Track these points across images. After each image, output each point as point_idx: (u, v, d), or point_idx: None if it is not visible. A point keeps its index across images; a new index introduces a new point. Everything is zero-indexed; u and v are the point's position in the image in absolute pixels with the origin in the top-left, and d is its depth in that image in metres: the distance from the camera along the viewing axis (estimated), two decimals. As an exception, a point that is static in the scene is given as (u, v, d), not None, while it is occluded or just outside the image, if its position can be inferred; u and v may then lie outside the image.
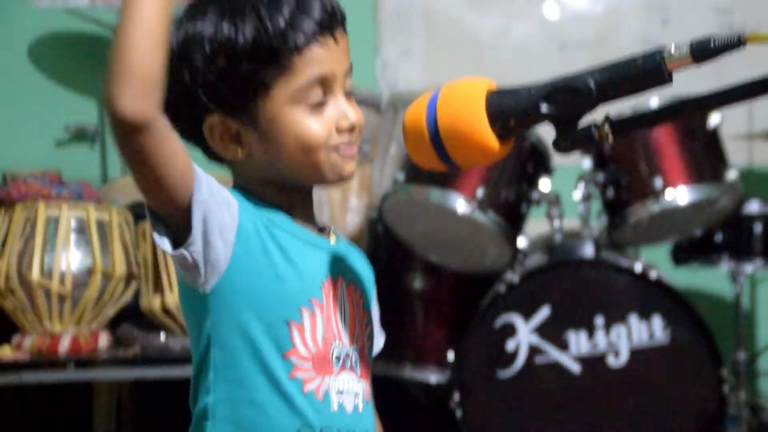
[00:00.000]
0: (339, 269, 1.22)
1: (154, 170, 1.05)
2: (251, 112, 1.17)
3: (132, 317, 2.78)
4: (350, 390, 1.19)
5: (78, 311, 2.64)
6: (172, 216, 1.10)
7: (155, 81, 1.02)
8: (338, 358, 1.18)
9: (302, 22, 1.15)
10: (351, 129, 1.19)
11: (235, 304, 1.13)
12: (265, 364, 1.13)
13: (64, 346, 2.62)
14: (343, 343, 1.19)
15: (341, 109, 1.19)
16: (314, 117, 1.17)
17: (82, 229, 2.67)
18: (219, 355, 1.14)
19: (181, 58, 1.16)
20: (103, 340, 2.70)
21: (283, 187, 1.20)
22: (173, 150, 1.05)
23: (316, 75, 1.16)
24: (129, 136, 1.02)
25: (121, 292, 2.71)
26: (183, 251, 1.10)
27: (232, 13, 1.16)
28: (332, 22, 1.18)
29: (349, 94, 1.21)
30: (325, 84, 1.18)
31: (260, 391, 1.13)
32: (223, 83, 1.16)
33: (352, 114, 1.20)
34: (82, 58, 3.59)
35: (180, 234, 1.10)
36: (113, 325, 2.77)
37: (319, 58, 1.17)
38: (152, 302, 2.67)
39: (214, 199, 1.10)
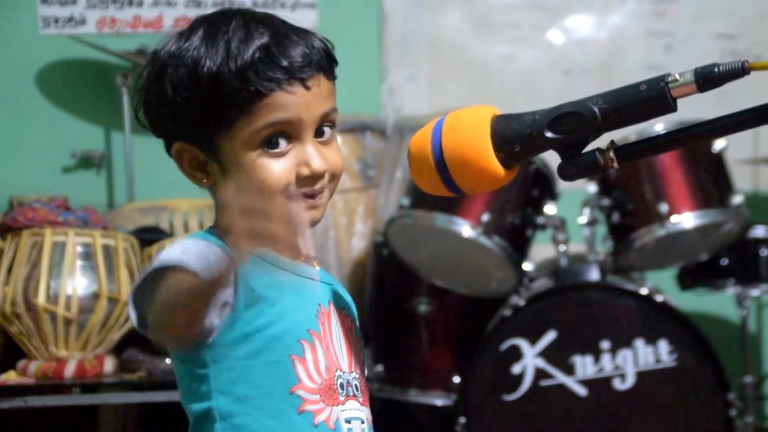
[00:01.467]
0: (329, 297, 1.21)
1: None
2: (215, 147, 1.16)
3: (137, 342, 2.77)
4: (357, 417, 1.18)
5: (84, 336, 2.64)
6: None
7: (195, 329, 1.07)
8: (342, 386, 1.17)
9: (267, 67, 1.12)
10: (312, 177, 1.15)
11: (234, 352, 1.12)
12: (273, 403, 1.12)
13: (69, 370, 2.62)
14: (343, 371, 1.18)
15: (304, 157, 1.15)
16: (274, 162, 1.14)
17: (88, 255, 2.67)
18: (225, 403, 1.13)
19: (157, 79, 1.16)
20: (109, 364, 2.70)
21: None
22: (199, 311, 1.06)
23: (274, 120, 1.13)
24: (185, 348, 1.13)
25: (127, 316, 2.71)
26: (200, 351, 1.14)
27: (207, 40, 1.14)
28: (305, 70, 1.14)
29: (325, 136, 1.17)
30: (288, 130, 1.14)
31: None
32: (189, 115, 1.15)
33: (316, 162, 1.15)
34: (88, 85, 3.61)
35: None
36: (119, 349, 2.77)
37: (282, 104, 1.13)
38: (158, 327, 2.67)
39: (206, 260, 1.07)
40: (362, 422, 1.19)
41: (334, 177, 1.18)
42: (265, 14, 1.19)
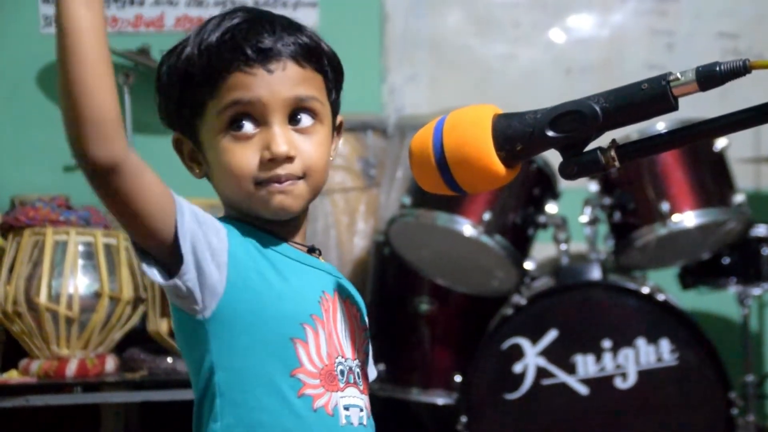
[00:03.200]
0: (333, 285, 1.22)
1: (131, 207, 1.05)
2: (196, 134, 1.19)
3: (139, 341, 2.78)
4: (355, 404, 1.19)
5: (85, 335, 2.64)
6: (159, 248, 1.09)
7: (115, 120, 1.01)
8: (342, 373, 1.18)
9: (228, 48, 1.15)
10: (274, 161, 1.15)
11: (236, 327, 1.13)
12: (272, 384, 1.13)
13: (71, 369, 2.63)
14: (346, 358, 1.19)
15: (267, 139, 1.15)
16: (239, 146, 1.15)
17: (89, 254, 2.68)
18: (224, 379, 1.13)
19: (157, 75, 1.21)
20: (111, 363, 2.71)
21: (245, 213, 1.20)
22: (148, 184, 1.05)
23: (234, 99, 1.15)
24: (100, 178, 1.02)
25: (129, 316, 2.72)
26: (176, 281, 1.09)
27: (194, 33, 1.19)
28: (267, 53, 1.15)
29: (301, 123, 1.17)
30: (250, 111, 1.15)
31: (270, 412, 1.13)
32: (171, 103, 1.19)
33: (276, 144, 1.14)
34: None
35: (170, 264, 1.10)
36: (120, 348, 2.78)
37: (242, 84, 1.15)
38: (159, 326, 2.68)
39: (201, 226, 1.10)
40: (361, 410, 1.19)
41: (310, 170, 1.17)
42: (265, 11, 1.21)
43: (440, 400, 3.08)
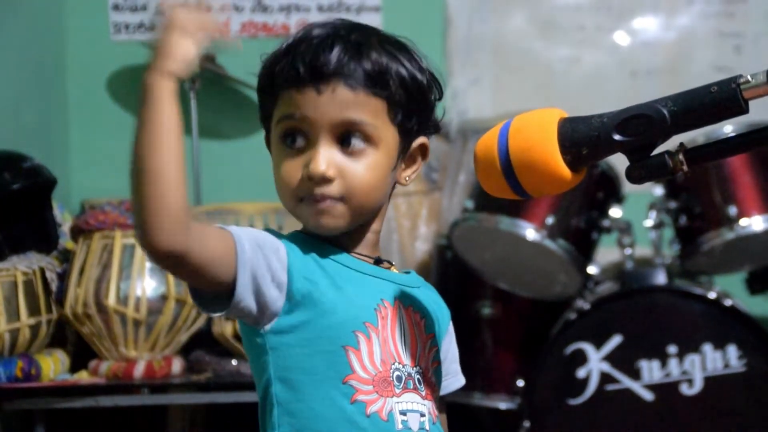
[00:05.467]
0: (396, 294, 1.23)
1: (203, 275, 1.09)
2: (269, 141, 1.25)
3: (204, 343, 2.81)
4: (415, 410, 1.20)
5: (152, 337, 2.68)
6: (219, 288, 1.13)
7: (187, 212, 1.04)
8: (399, 379, 1.19)
9: (286, 65, 1.19)
10: (310, 179, 1.16)
11: (292, 339, 1.16)
12: (326, 392, 1.15)
13: (139, 370, 2.67)
14: (403, 364, 1.20)
15: (309, 158, 1.17)
16: (289, 159, 1.19)
17: (156, 257, 2.72)
18: (281, 390, 1.17)
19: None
20: (177, 365, 2.74)
21: None
22: (212, 251, 1.09)
23: (286, 114, 1.19)
24: (174, 265, 1.07)
25: (194, 318, 2.75)
26: (232, 310, 1.13)
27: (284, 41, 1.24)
28: (318, 74, 1.17)
29: (356, 148, 1.18)
30: (303, 129, 1.18)
31: (325, 420, 1.15)
32: (260, 105, 1.25)
33: (314, 164, 1.16)
34: (157, 89, 3.66)
35: (226, 292, 1.13)
36: (186, 350, 2.81)
37: (293, 101, 1.18)
38: (224, 328, 2.71)
39: (262, 250, 1.14)
40: (422, 415, 1.20)
41: (351, 193, 1.18)
42: (356, 25, 1.23)
43: (503, 405, 3.07)
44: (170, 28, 1.08)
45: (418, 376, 1.22)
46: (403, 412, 1.18)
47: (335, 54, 1.17)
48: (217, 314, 1.14)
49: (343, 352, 1.16)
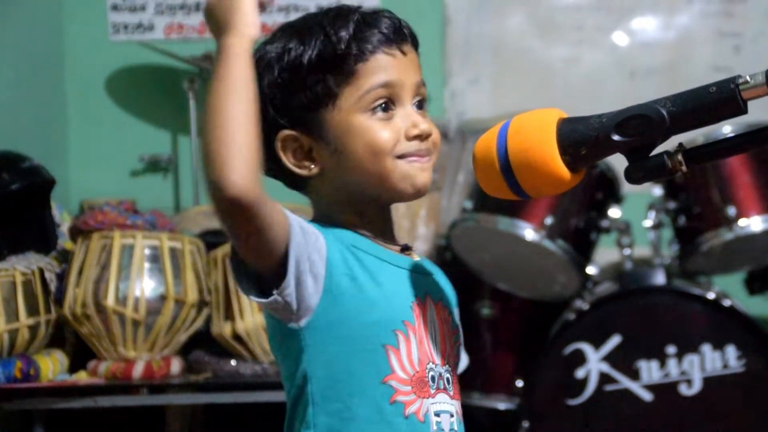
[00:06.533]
0: (426, 288, 1.22)
1: (259, 241, 1.07)
2: (320, 125, 1.19)
3: (203, 343, 2.81)
4: (446, 410, 1.19)
5: (151, 337, 2.68)
6: (268, 266, 1.11)
7: (258, 157, 1.05)
8: (433, 379, 1.18)
9: (366, 33, 1.19)
10: (420, 137, 1.19)
11: (329, 336, 1.14)
12: (365, 392, 1.14)
13: (137, 371, 2.66)
14: (436, 364, 1.19)
15: (410, 118, 1.19)
16: (382, 124, 1.19)
17: (155, 257, 2.71)
18: (317, 388, 1.14)
19: (260, 76, 1.20)
20: (176, 365, 2.74)
21: (360, 205, 1.21)
22: (276, 217, 1.08)
23: (380, 81, 1.19)
24: (241, 214, 1.04)
25: (193, 318, 2.75)
26: (276, 297, 1.11)
27: (299, 33, 1.20)
28: (398, 36, 1.21)
29: (422, 109, 1.22)
30: (392, 92, 1.19)
31: (362, 420, 1.14)
32: (292, 97, 1.19)
33: (422, 123, 1.20)
34: (156, 90, 3.67)
35: (269, 279, 1.11)
36: (185, 351, 2.81)
37: (384, 65, 1.19)
38: (223, 329, 2.71)
39: (306, 239, 1.12)
40: (451, 415, 1.20)
41: (435, 146, 1.22)
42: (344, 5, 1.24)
43: (502, 405, 3.07)
44: None
45: (448, 375, 1.21)
46: (437, 414, 1.17)
47: (391, 18, 1.22)
48: (260, 301, 1.11)
49: (383, 351, 1.14)
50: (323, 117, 1.19)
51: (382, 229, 1.23)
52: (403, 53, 1.20)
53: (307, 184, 1.23)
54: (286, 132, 1.20)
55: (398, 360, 1.15)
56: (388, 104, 1.19)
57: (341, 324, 1.14)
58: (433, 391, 1.17)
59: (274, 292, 1.10)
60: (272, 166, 1.22)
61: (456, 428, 1.20)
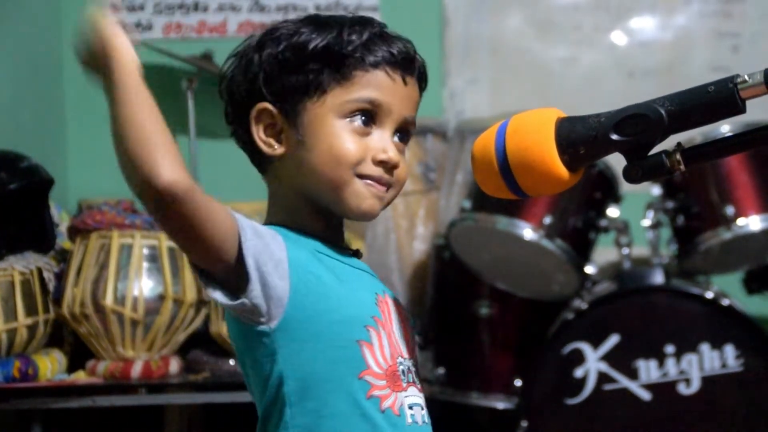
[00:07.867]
0: (382, 286, 1.24)
1: (199, 235, 1.06)
2: (299, 111, 1.19)
3: (202, 343, 2.81)
4: (417, 403, 1.20)
5: (150, 337, 2.68)
6: (224, 270, 1.10)
7: (177, 149, 1.05)
8: (404, 373, 1.19)
9: (376, 47, 1.19)
10: (386, 164, 1.19)
11: (303, 335, 1.14)
12: (341, 388, 1.14)
13: (136, 370, 2.66)
14: (405, 357, 1.20)
15: (384, 143, 1.19)
16: (354, 137, 1.18)
17: (154, 257, 2.71)
18: (294, 389, 1.14)
19: (257, 47, 1.22)
20: (174, 365, 2.74)
21: (311, 204, 1.22)
22: (214, 210, 1.07)
23: (368, 97, 1.19)
24: (172, 208, 1.03)
25: (192, 318, 2.75)
26: (243, 300, 1.10)
27: (318, 23, 1.22)
28: (406, 64, 1.21)
29: (401, 145, 1.22)
30: (376, 112, 1.19)
31: (340, 416, 1.14)
32: (285, 75, 1.20)
33: (392, 153, 1.19)
34: (154, 89, 3.64)
35: (233, 283, 1.11)
36: (184, 350, 2.81)
37: (380, 84, 1.19)
38: (222, 328, 2.71)
39: (262, 239, 1.11)
40: (422, 408, 1.21)
41: (398, 182, 1.21)
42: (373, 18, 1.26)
43: (500, 405, 3.07)
44: (105, 28, 1.13)
45: (414, 368, 1.22)
46: (410, 406, 1.18)
47: (410, 48, 1.22)
48: (226, 302, 1.10)
49: (357, 347, 1.15)
50: (305, 105, 1.19)
51: (336, 235, 1.24)
52: (405, 83, 1.21)
53: (268, 166, 1.24)
54: (265, 104, 1.21)
55: (372, 355, 1.16)
56: (368, 121, 1.19)
57: (313, 322, 1.14)
58: (404, 385, 1.18)
59: (241, 295, 1.10)
60: (241, 134, 1.24)
61: (426, 420, 1.21)
